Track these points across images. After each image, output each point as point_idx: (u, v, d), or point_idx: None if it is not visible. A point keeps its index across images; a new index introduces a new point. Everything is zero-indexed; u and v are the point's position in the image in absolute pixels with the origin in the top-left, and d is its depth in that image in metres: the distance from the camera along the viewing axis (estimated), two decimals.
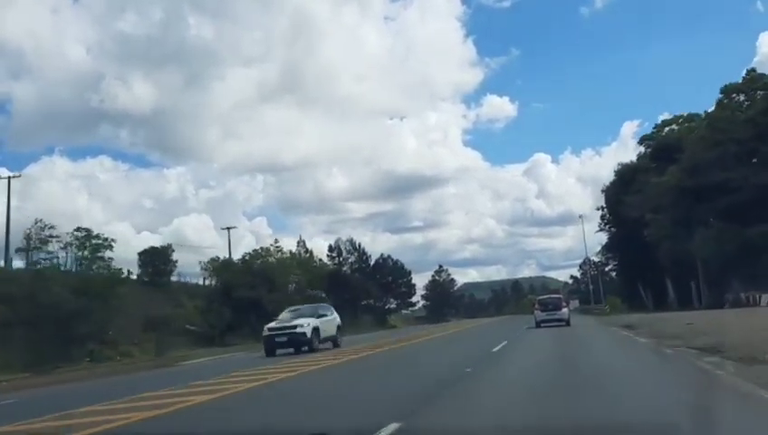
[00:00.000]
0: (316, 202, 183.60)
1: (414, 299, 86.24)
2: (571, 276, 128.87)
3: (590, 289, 75.67)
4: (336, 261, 72.77)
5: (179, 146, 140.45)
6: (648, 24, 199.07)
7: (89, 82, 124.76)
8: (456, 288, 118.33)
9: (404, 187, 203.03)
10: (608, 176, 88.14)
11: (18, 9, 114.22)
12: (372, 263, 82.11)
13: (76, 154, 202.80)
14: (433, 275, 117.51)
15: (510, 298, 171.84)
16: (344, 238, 74.78)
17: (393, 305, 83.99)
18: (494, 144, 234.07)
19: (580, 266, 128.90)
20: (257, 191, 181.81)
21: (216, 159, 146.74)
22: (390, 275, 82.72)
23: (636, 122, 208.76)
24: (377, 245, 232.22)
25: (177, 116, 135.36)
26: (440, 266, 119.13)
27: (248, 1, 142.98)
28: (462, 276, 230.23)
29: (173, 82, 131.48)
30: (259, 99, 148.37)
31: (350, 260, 73.51)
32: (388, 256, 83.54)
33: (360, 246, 74.61)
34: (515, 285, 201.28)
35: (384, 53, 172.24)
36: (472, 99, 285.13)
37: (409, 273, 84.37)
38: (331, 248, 73.09)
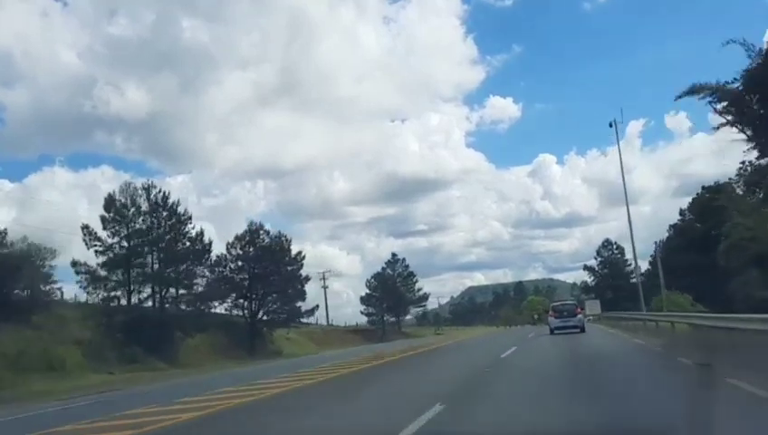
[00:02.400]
0: (319, 207, 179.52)
1: (306, 305, 48.19)
2: (585, 267, 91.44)
3: (639, 282, 38.75)
4: (112, 229, 35.79)
5: (178, 152, 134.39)
6: (653, 21, 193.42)
7: (83, 88, 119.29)
8: (416, 286, 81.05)
9: (407, 190, 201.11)
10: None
11: (7, 13, 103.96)
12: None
13: (74, 162, 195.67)
14: (384, 268, 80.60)
15: (512, 301, 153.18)
16: (139, 185, 37.54)
17: (279, 313, 46.93)
18: (497, 146, 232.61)
19: (598, 253, 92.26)
20: (259, 198, 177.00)
21: (216, 164, 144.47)
22: (266, 259, 45.71)
23: (641, 121, 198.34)
24: (381, 250, 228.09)
25: (174, 121, 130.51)
26: (394, 256, 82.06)
27: (244, 3, 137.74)
28: (469, 280, 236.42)
29: (169, 86, 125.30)
30: (257, 102, 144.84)
31: (138, 225, 35.75)
32: (260, 224, 46.68)
33: (166, 198, 36.40)
34: (519, 286, 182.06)
35: (384, 54, 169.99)
36: (475, 100, 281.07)
37: (300, 259, 47.30)
38: (108, 203, 35.95)
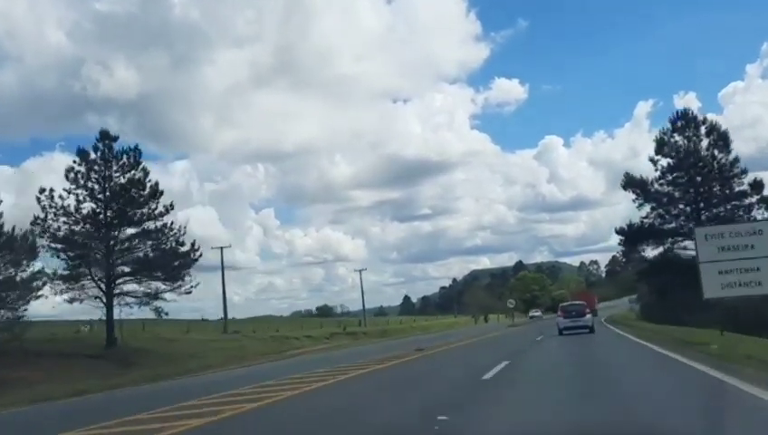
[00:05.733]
0: (321, 191, 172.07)
1: None
2: (627, 181, 36.63)
3: None
4: None
5: (174, 134, 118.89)
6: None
7: (71, 68, 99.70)
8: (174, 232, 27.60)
9: (410, 173, 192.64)
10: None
11: None
12: None
13: (67, 146, 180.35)
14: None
15: (508, 283, 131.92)
16: None
17: None
18: (503, 128, 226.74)
19: (660, 145, 37.98)
20: (260, 182, 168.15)
21: (213, 147, 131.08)
22: None
23: (650, 102, 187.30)
24: (386, 234, 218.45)
25: (168, 103, 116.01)
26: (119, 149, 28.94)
27: None
28: (474, 264, 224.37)
29: (161, 66, 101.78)
30: (254, 82, 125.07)
31: None
32: None
33: None
34: (519, 267, 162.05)
35: (384, 31, 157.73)
36: (479, 80, 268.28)
37: None
38: None
